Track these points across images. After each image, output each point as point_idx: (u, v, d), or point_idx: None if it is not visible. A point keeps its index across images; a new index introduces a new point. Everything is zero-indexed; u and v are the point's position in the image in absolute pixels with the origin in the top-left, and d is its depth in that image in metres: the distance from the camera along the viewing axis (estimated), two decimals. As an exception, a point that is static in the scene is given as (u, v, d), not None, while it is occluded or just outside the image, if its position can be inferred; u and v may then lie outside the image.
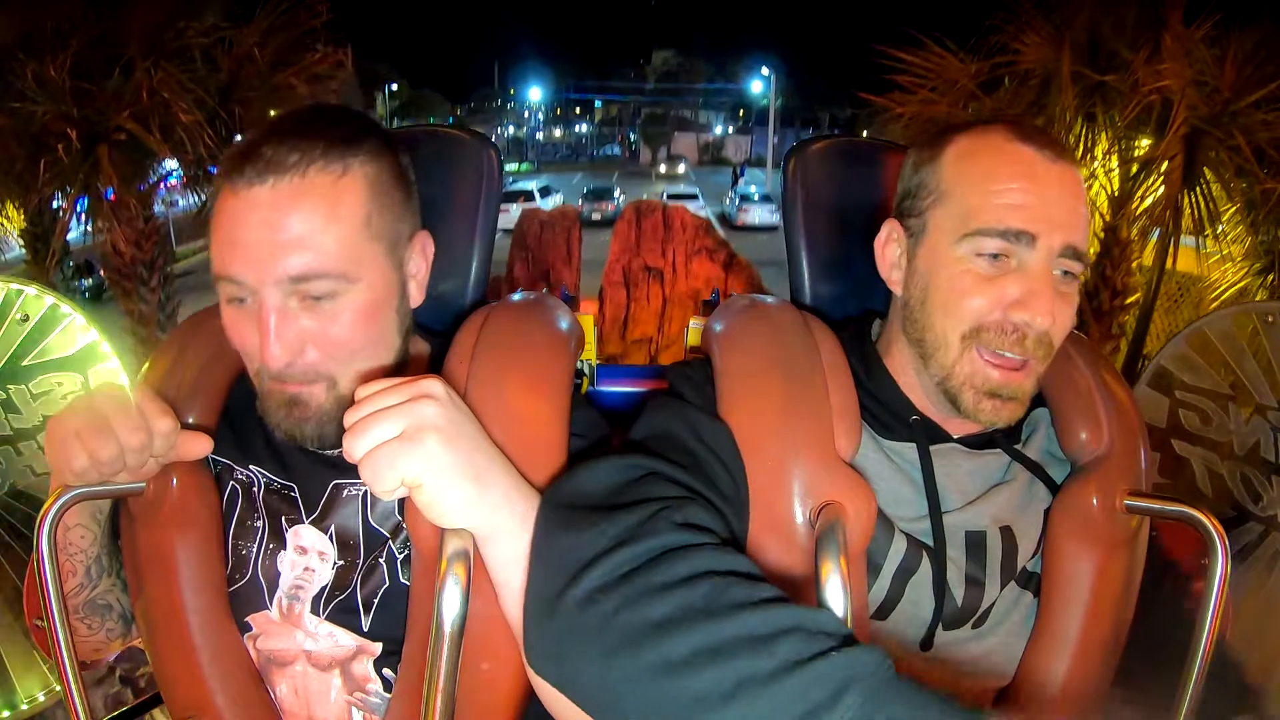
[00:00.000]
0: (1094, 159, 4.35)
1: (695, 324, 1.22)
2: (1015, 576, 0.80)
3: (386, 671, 0.76)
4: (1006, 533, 0.79)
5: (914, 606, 0.78)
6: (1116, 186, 4.38)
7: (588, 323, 1.20)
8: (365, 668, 0.76)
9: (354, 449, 0.57)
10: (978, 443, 0.81)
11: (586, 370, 1.24)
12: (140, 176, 4.29)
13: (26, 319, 1.54)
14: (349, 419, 0.58)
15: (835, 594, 0.63)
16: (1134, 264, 4.54)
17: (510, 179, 22.12)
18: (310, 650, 0.77)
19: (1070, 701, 0.78)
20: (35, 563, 0.71)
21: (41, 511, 0.70)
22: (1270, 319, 1.51)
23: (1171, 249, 4.32)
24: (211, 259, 0.68)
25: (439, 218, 0.95)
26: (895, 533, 0.77)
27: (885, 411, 0.81)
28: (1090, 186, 4.46)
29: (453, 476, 0.57)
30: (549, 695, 0.58)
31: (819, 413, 0.73)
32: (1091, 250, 4.57)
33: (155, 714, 1.08)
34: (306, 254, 0.66)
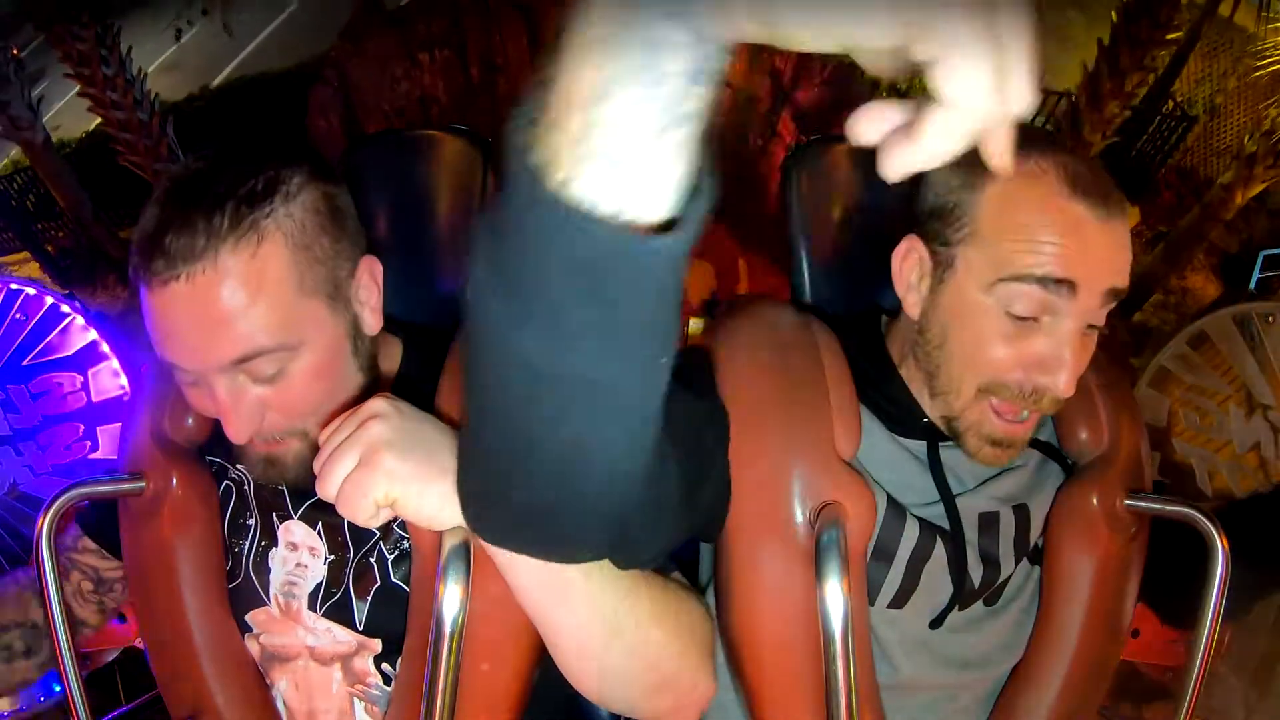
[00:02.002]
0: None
1: (696, 324, 1.22)
2: (1028, 553, 0.80)
3: (386, 667, 0.76)
4: (1020, 510, 0.80)
5: (930, 592, 0.78)
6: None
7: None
8: (366, 663, 0.76)
9: (326, 492, 0.58)
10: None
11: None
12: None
13: (26, 319, 1.54)
14: (316, 465, 0.59)
15: (835, 593, 0.63)
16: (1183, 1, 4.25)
17: None
18: (312, 645, 0.77)
19: (1068, 699, 0.78)
20: (35, 562, 0.71)
21: (41, 511, 0.71)
22: (1270, 319, 1.51)
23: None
24: (151, 340, 0.67)
25: (437, 219, 0.95)
26: (907, 519, 0.77)
27: (898, 410, 0.80)
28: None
29: (420, 482, 0.57)
30: (511, 570, 0.60)
31: (819, 413, 0.73)
32: None
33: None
34: (239, 337, 0.63)
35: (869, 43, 0.29)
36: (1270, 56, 4.29)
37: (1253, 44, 4.55)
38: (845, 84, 4.97)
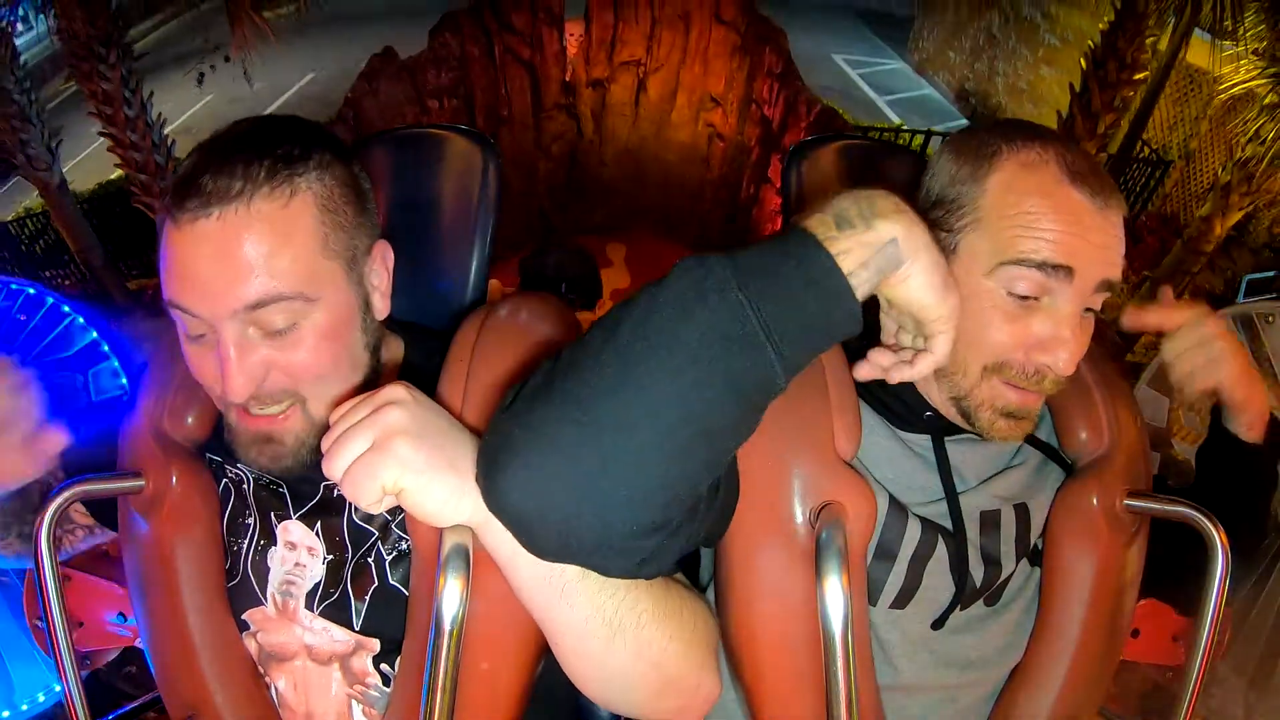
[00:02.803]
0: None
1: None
2: (1028, 553, 0.81)
3: (385, 667, 0.76)
4: (1020, 509, 0.80)
5: (933, 591, 0.78)
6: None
7: (587, 321, 1.20)
8: (364, 663, 0.76)
9: (332, 471, 0.57)
10: None
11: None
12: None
13: (26, 319, 1.54)
14: (325, 444, 0.58)
15: (835, 593, 0.63)
16: (1147, 40, 4.52)
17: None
18: (310, 644, 0.77)
19: (1068, 700, 0.78)
20: (34, 562, 0.71)
21: (40, 511, 0.71)
22: (1270, 319, 1.50)
23: (1183, 36, 4.36)
24: (162, 288, 0.67)
25: (438, 217, 0.95)
26: (909, 518, 0.77)
27: (900, 404, 0.81)
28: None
29: (430, 473, 0.57)
30: (511, 567, 0.60)
31: (818, 412, 0.73)
32: (1106, 19, 4.56)
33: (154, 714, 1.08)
34: (260, 279, 0.64)
35: (930, 313, 0.59)
36: (1228, 82, 4.46)
37: (1219, 83, 4.78)
38: (829, 125, 5.10)
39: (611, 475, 0.50)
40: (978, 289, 0.72)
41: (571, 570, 0.59)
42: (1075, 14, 7.65)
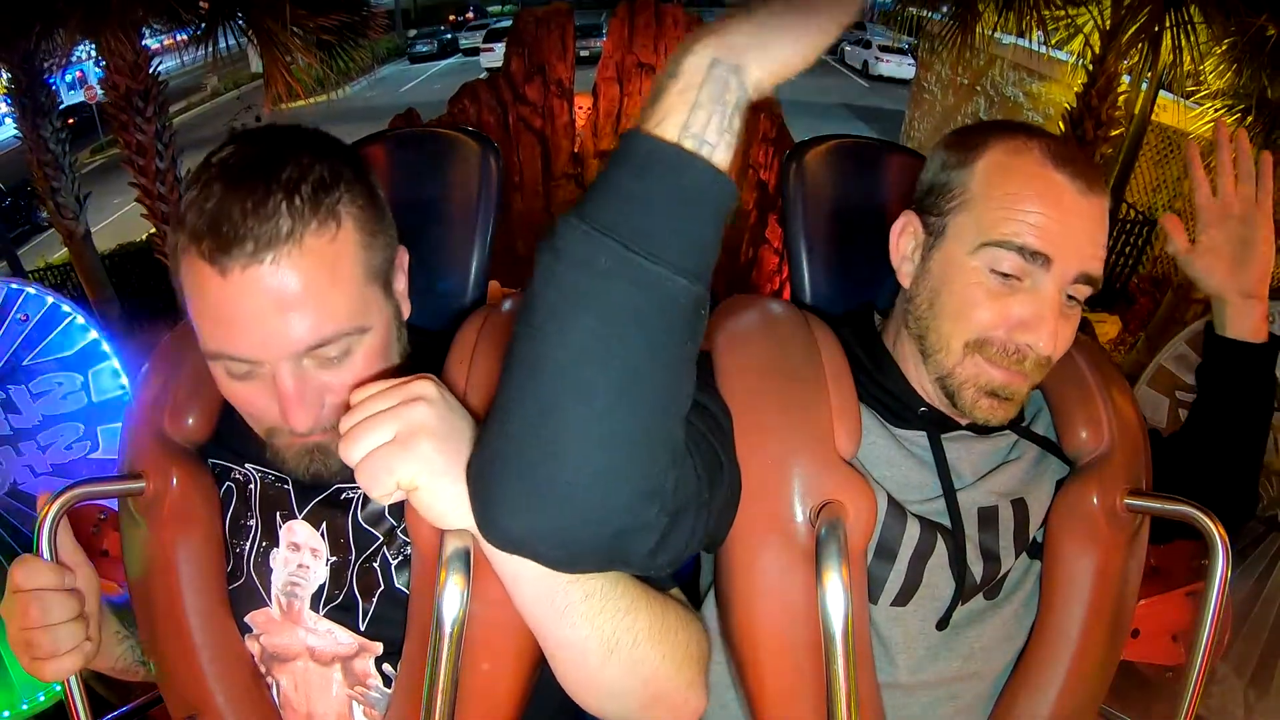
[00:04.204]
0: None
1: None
2: (1027, 547, 0.81)
3: (386, 668, 0.76)
4: (1019, 504, 0.81)
5: (933, 589, 0.79)
6: (1108, 20, 4.67)
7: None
8: (366, 664, 0.76)
9: (349, 455, 0.56)
10: (986, 427, 0.82)
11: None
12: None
13: (26, 319, 1.54)
14: (344, 425, 0.57)
15: (835, 593, 0.63)
16: (1120, 98, 4.85)
17: (493, 19, 22.74)
18: (313, 646, 0.77)
19: (1068, 699, 0.78)
20: (35, 562, 0.71)
21: (41, 511, 0.71)
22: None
23: (1151, 84, 4.74)
24: (202, 337, 0.64)
25: (438, 218, 0.95)
26: (908, 518, 0.78)
27: (895, 401, 0.82)
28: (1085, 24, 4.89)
29: (448, 477, 0.56)
30: (513, 584, 0.60)
31: (819, 412, 0.73)
32: (1079, 82, 4.90)
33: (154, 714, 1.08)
34: (318, 320, 0.63)
35: (820, 51, 0.49)
36: (1198, 129, 4.71)
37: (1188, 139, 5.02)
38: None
39: (572, 452, 0.48)
40: (963, 266, 0.75)
41: (575, 592, 0.59)
42: (1054, 88, 8.05)
